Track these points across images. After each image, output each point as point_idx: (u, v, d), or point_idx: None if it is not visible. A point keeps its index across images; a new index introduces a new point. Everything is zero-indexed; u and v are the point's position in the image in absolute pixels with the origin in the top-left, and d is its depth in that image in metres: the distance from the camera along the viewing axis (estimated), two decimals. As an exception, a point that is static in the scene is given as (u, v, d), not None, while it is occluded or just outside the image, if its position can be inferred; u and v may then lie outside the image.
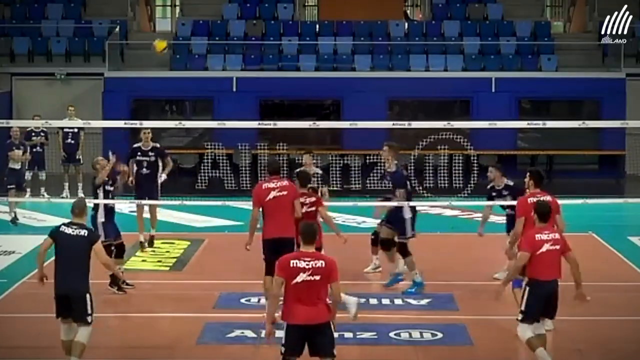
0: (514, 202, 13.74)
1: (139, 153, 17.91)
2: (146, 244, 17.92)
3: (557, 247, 11.15)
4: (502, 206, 15.49)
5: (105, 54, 29.28)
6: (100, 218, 14.88)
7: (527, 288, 11.14)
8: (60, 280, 10.86)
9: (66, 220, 11.19)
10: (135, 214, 18.15)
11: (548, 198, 13.18)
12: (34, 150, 23.76)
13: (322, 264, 9.59)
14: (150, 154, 17.88)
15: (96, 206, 14.93)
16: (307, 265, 9.55)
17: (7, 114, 28.29)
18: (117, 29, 30.20)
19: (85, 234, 10.91)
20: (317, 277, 9.55)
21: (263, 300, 13.53)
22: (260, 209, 13.14)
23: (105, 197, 15.10)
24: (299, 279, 9.53)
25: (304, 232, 9.80)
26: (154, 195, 17.80)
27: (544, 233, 11.22)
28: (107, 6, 31.88)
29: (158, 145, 18.26)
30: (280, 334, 11.84)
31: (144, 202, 17.65)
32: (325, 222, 14.05)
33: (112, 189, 15.28)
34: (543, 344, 11.20)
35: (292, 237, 13.13)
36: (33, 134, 24.00)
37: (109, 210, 15.05)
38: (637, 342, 12.84)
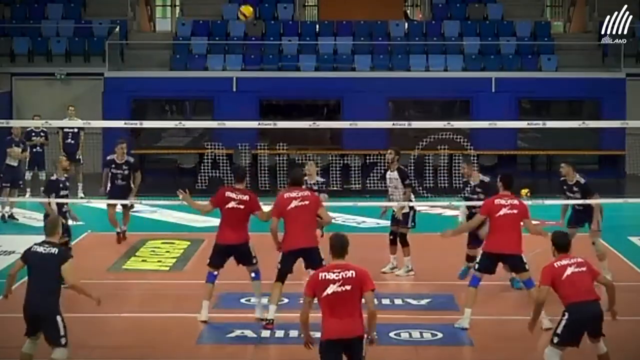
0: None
1: (113, 165, 18.75)
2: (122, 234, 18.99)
3: (584, 269, 10.65)
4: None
5: (105, 54, 29.30)
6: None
7: (565, 314, 10.56)
8: (30, 300, 10.60)
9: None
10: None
11: (515, 202, 13.26)
12: (34, 150, 23.76)
13: (352, 273, 9.33)
14: (124, 167, 18.67)
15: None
16: (336, 276, 9.31)
17: (7, 114, 28.31)
18: (117, 29, 30.21)
19: (55, 252, 10.57)
20: (348, 287, 9.29)
21: (264, 300, 13.50)
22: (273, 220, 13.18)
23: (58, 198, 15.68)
24: (329, 290, 9.27)
25: (334, 245, 9.53)
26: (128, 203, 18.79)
27: (564, 259, 10.72)
28: (107, 6, 31.88)
29: (132, 159, 19.00)
30: (280, 333, 11.88)
31: (134, 201, 18.77)
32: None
33: (67, 192, 15.92)
34: None
35: (316, 246, 13.09)
36: (33, 134, 23.98)
37: (58, 212, 15.32)
38: (637, 342, 12.84)
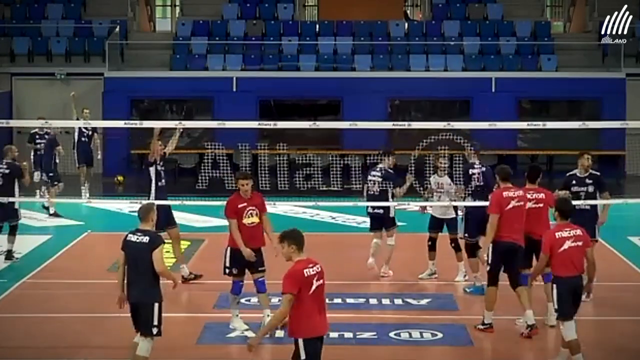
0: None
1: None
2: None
3: (580, 243, 11.18)
4: (579, 197, 14.88)
5: (105, 54, 29.30)
6: None
7: (554, 285, 11.22)
8: (129, 290, 10.68)
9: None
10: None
11: (542, 195, 13.29)
12: (38, 153, 23.65)
13: (319, 267, 9.32)
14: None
15: None
16: (314, 271, 9.24)
17: (7, 114, 28.30)
18: (117, 29, 30.21)
19: (147, 240, 10.55)
20: (321, 282, 9.28)
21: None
22: None
23: None
24: (313, 287, 9.20)
25: (301, 241, 9.30)
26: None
27: (565, 230, 11.23)
28: (107, 6, 31.89)
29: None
30: (280, 333, 11.87)
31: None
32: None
33: None
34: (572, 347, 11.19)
35: (522, 245, 13.11)
36: (37, 136, 23.83)
37: None
38: (638, 342, 12.84)
